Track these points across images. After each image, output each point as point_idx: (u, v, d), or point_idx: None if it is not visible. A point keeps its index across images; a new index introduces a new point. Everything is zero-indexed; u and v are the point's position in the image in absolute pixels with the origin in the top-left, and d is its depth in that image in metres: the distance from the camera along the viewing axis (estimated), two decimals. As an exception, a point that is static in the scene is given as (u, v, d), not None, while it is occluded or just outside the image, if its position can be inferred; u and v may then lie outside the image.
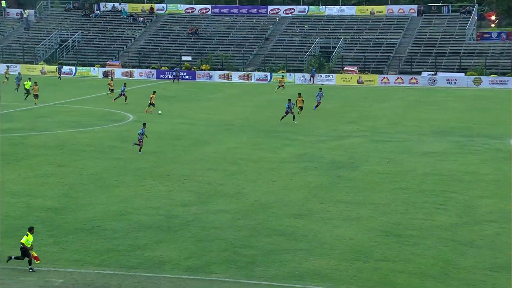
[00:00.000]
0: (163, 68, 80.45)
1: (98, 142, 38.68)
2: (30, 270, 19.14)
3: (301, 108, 48.01)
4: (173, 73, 76.10)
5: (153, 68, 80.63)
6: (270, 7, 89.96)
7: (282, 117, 45.61)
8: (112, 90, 58.35)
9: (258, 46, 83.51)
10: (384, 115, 50.81)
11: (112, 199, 26.86)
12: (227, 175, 31.07)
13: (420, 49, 78.31)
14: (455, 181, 29.97)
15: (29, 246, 19.30)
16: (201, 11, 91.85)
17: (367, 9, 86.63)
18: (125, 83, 57.37)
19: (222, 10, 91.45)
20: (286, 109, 45.48)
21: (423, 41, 79.73)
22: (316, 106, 51.84)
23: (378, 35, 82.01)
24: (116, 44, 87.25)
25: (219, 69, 78.89)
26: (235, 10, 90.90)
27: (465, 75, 71.56)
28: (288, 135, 41.71)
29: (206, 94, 63.73)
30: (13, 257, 19.48)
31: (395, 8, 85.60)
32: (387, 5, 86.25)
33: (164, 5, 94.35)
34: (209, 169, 32.30)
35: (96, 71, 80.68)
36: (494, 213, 25.16)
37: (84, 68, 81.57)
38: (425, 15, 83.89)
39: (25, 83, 56.56)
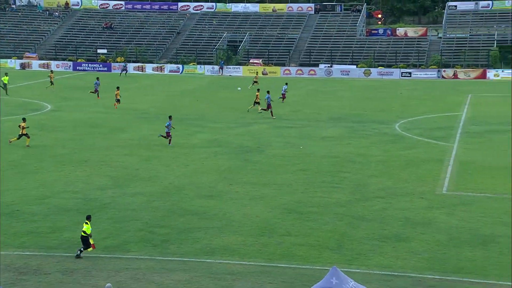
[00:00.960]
0: (79, 60, 78.18)
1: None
2: (78, 257, 18.46)
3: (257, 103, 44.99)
4: (122, 67, 73.67)
5: (69, 60, 78.20)
6: (180, 4, 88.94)
7: (263, 109, 43.41)
8: (52, 82, 55.67)
9: (170, 40, 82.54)
10: (287, 103, 51.40)
11: (31, 184, 25.92)
12: (143, 160, 30.64)
13: (317, 44, 79.71)
14: (348, 162, 30.78)
15: (89, 232, 18.59)
16: (115, 7, 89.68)
17: (270, 6, 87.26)
18: (98, 77, 54.66)
19: (135, 6, 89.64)
20: (267, 102, 43.36)
21: (320, 36, 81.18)
22: (281, 97, 50.03)
23: (280, 31, 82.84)
24: (33, 37, 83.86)
25: (134, 61, 77.47)
26: (148, 6, 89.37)
27: (356, 67, 73.44)
28: (199, 122, 41.54)
29: (122, 85, 62.32)
30: (80, 253, 18.61)
31: (294, 6, 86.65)
32: (287, 3, 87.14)
33: (79, 0, 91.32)
34: (125, 154, 31.73)
35: (13, 63, 77.37)
36: (382, 190, 26.05)
37: (1, 60, 77.93)
38: (321, 13, 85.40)
39: (3, 78, 53.18)
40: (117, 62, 76.69)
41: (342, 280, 12.50)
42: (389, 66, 73.29)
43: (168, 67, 75.78)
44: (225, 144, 34.68)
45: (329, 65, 74.15)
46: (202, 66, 75.47)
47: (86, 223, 18.75)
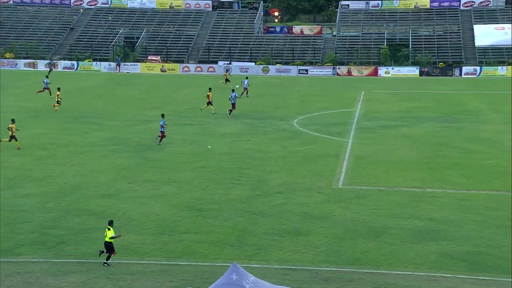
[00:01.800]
0: (-36, 56, 74.04)
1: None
2: (105, 265, 17.79)
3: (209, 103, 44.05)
4: (49, 65, 69.76)
5: (-47, 56, 73.92)
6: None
7: (230, 111, 42.75)
8: None
9: (63, 36, 79.85)
10: (186, 100, 51.22)
11: None
12: (36, 160, 29.51)
13: (216, 41, 79.86)
14: (248, 159, 31.11)
15: (109, 239, 17.89)
16: (2, 0, 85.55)
17: (167, 3, 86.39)
18: (47, 76, 51.01)
19: (24, 0, 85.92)
20: (231, 101, 42.90)
21: (218, 33, 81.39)
22: (242, 94, 50.64)
23: (178, 27, 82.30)
24: None
25: (24, 58, 74.29)
26: (38, 0, 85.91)
27: (255, 64, 74.28)
28: (96, 120, 40.52)
29: (13, 82, 59.63)
30: (104, 252, 18.04)
31: (192, 3, 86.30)
32: (184, 0, 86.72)
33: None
34: (16, 154, 30.43)
35: None
36: (281, 186, 26.54)
37: None
38: (218, 10, 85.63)
39: None
40: (5, 58, 73.26)
41: (242, 276, 12.64)
42: (287, 64, 74.64)
43: (62, 63, 73.35)
44: (124, 142, 34.05)
45: (228, 62, 74.51)
46: (98, 62, 73.63)
47: (109, 229, 18.09)
